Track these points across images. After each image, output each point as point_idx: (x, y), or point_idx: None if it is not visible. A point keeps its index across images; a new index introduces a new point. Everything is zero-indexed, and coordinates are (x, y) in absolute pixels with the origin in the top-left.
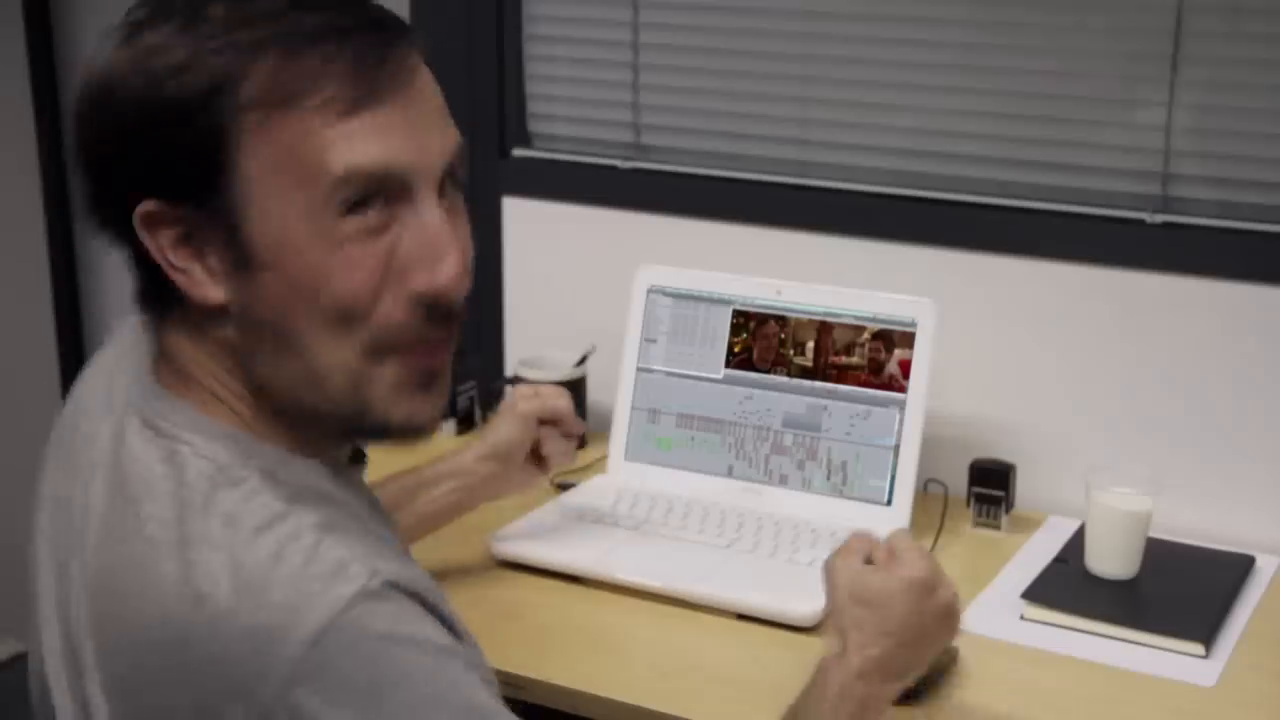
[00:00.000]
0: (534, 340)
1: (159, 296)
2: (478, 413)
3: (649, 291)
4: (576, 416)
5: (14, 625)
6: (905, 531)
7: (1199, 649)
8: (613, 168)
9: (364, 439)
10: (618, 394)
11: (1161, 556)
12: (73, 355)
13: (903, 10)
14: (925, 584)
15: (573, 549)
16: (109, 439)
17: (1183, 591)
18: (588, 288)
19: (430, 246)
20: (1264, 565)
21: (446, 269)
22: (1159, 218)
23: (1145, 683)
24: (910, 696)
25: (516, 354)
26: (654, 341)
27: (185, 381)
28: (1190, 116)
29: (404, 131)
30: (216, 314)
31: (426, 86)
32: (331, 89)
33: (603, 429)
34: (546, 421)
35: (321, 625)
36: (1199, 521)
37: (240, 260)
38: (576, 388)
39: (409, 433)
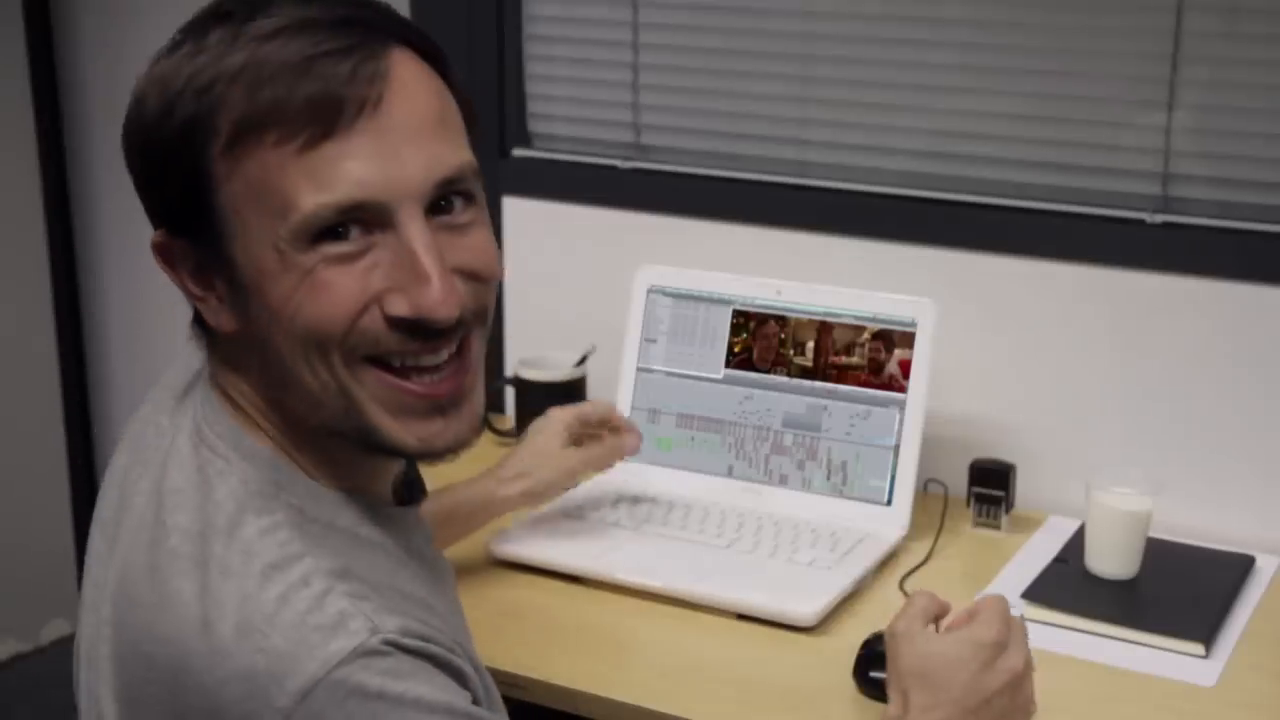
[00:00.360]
0: (534, 340)
1: (202, 321)
2: None
3: (649, 291)
4: (619, 418)
5: (14, 625)
6: (1000, 597)
7: (1199, 649)
8: (613, 168)
9: (391, 456)
10: (618, 394)
11: (1161, 556)
12: (73, 355)
13: (902, 10)
14: (992, 646)
15: (573, 549)
16: (169, 440)
17: (1183, 591)
18: (588, 288)
19: (409, 271)
20: (1264, 565)
21: (428, 294)
22: (1159, 218)
23: (1145, 683)
24: None
25: (516, 354)
26: (654, 341)
27: (229, 400)
28: (1190, 116)
29: (374, 160)
30: (238, 341)
31: (407, 103)
32: (290, 124)
33: None
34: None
35: (314, 678)
36: (1199, 521)
37: (238, 291)
38: (576, 388)
39: (429, 456)
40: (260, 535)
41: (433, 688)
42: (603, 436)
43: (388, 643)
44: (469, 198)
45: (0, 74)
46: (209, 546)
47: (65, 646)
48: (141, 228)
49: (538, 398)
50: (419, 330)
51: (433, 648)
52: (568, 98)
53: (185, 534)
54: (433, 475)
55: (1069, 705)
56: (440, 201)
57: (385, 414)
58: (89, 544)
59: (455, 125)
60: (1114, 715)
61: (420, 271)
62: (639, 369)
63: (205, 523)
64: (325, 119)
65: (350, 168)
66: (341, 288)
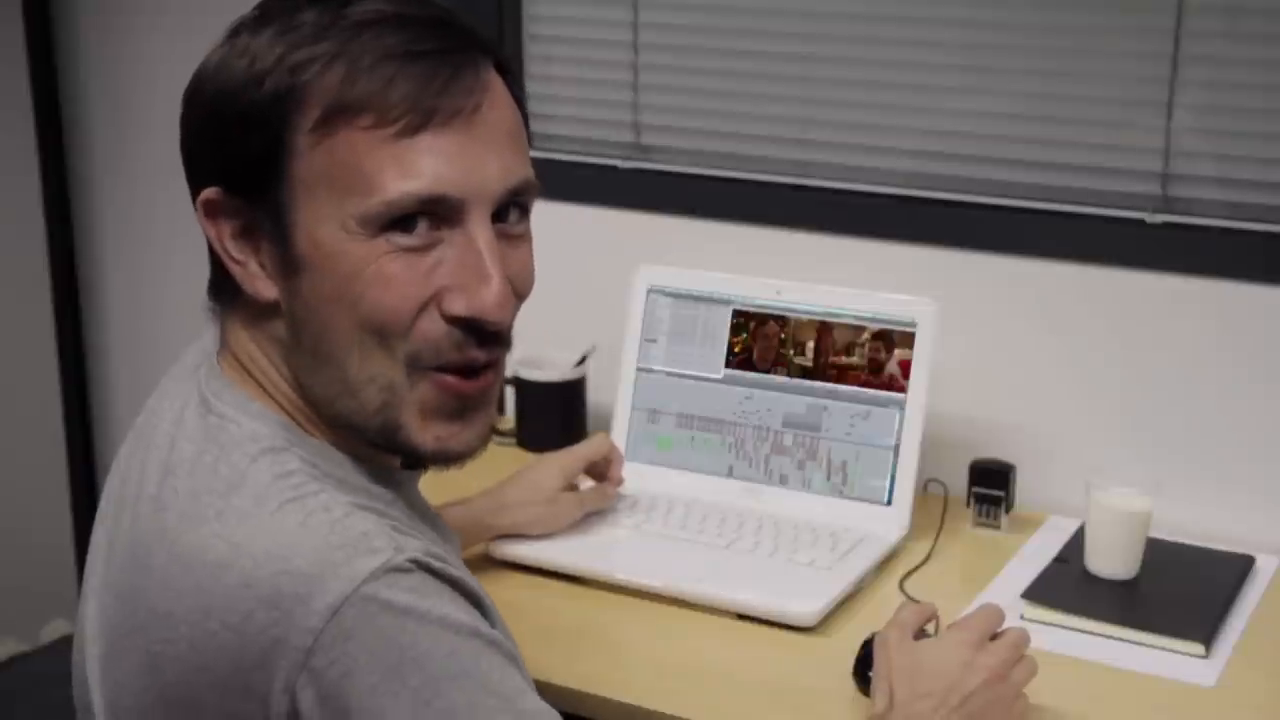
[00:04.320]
0: (534, 340)
1: (224, 287)
2: None
3: (649, 291)
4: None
5: (15, 625)
6: (994, 606)
7: (1199, 649)
8: (613, 168)
9: (399, 456)
10: (618, 394)
11: (1161, 556)
12: (73, 355)
13: (902, 10)
14: (973, 646)
15: (573, 549)
16: (172, 419)
17: (1183, 591)
18: (588, 288)
19: (472, 270)
20: (1264, 565)
21: (486, 295)
22: (1159, 218)
23: (1145, 683)
24: None
25: (516, 354)
26: (654, 341)
27: (241, 371)
28: (1190, 116)
29: (460, 158)
30: (270, 310)
31: (495, 113)
32: (389, 110)
33: (603, 429)
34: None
35: (343, 596)
36: (1199, 521)
37: (288, 261)
38: (576, 388)
39: (441, 460)
40: (274, 479)
41: (456, 608)
42: (601, 471)
43: (412, 560)
44: (524, 211)
45: (0, 74)
46: (225, 500)
47: (65, 646)
48: (141, 227)
49: (538, 398)
50: (472, 330)
51: (453, 571)
52: (568, 98)
53: (193, 494)
54: (433, 485)
55: (1069, 705)
56: (500, 210)
57: (417, 415)
58: (91, 541)
59: (525, 140)
60: (1114, 715)
61: (483, 271)
62: (639, 369)
63: (218, 478)
64: (424, 110)
65: (436, 163)
66: (405, 280)
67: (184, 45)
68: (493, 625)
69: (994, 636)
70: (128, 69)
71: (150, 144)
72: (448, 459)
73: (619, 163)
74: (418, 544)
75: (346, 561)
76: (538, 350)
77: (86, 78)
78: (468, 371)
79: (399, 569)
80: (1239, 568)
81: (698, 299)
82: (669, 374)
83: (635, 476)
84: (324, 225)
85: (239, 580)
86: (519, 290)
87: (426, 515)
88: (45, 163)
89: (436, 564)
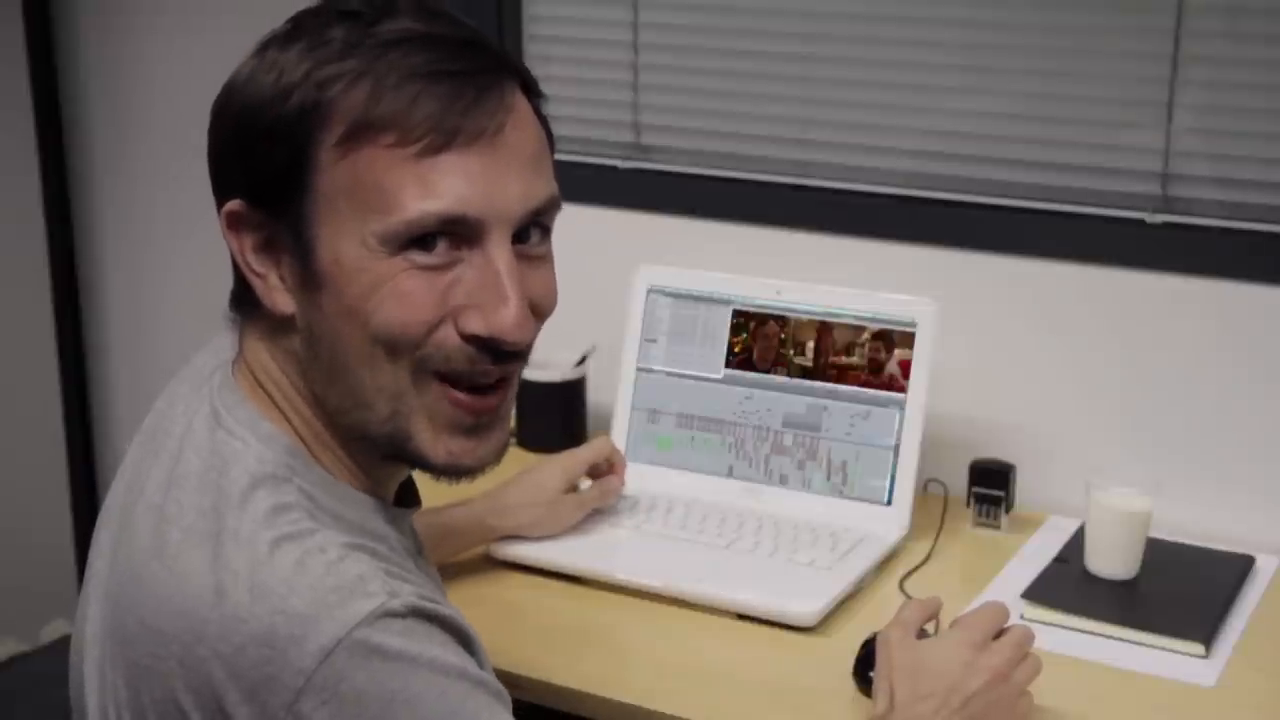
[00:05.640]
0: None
1: (245, 299)
2: None
3: (649, 291)
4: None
5: (15, 625)
6: (997, 603)
7: (1199, 649)
8: (613, 168)
9: (412, 467)
10: (618, 394)
11: (1161, 556)
12: (73, 355)
13: (902, 10)
14: (975, 646)
15: (573, 549)
16: (183, 427)
17: (1183, 591)
18: (588, 288)
19: (490, 290)
20: (1264, 565)
21: (505, 315)
22: (1159, 218)
23: (1145, 683)
24: None
25: None
26: (654, 341)
27: (254, 385)
28: (1190, 116)
29: (482, 178)
30: (287, 324)
31: (519, 135)
32: (412, 129)
33: (603, 429)
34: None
35: (335, 638)
36: (1199, 521)
37: (307, 275)
38: (576, 388)
39: (452, 473)
40: (271, 512)
41: (446, 651)
42: (603, 474)
43: (405, 605)
44: (545, 231)
45: (0, 74)
46: (221, 520)
47: (65, 646)
48: (141, 227)
49: (538, 398)
50: (488, 349)
51: (445, 611)
52: (568, 98)
53: (198, 511)
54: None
55: (1069, 705)
56: (521, 231)
57: (428, 427)
58: (93, 541)
59: (548, 159)
60: (1114, 715)
61: (502, 293)
62: (639, 369)
63: (218, 497)
64: (448, 130)
65: (458, 183)
66: (422, 297)
67: (184, 45)
68: (480, 664)
69: (998, 635)
70: (128, 69)
71: (150, 144)
72: (459, 472)
73: (619, 163)
74: (411, 588)
75: (341, 604)
76: (538, 350)
77: (86, 78)
78: (478, 387)
79: (392, 613)
80: (1239, 568)
81: (698, 299)
82: (669, 374)
83: (635, 476)
84: (345, 241)
85: (232, 612)
86: (539, 311)
87: (411, 552)
88: (45, 163)
89: (429, 606)
